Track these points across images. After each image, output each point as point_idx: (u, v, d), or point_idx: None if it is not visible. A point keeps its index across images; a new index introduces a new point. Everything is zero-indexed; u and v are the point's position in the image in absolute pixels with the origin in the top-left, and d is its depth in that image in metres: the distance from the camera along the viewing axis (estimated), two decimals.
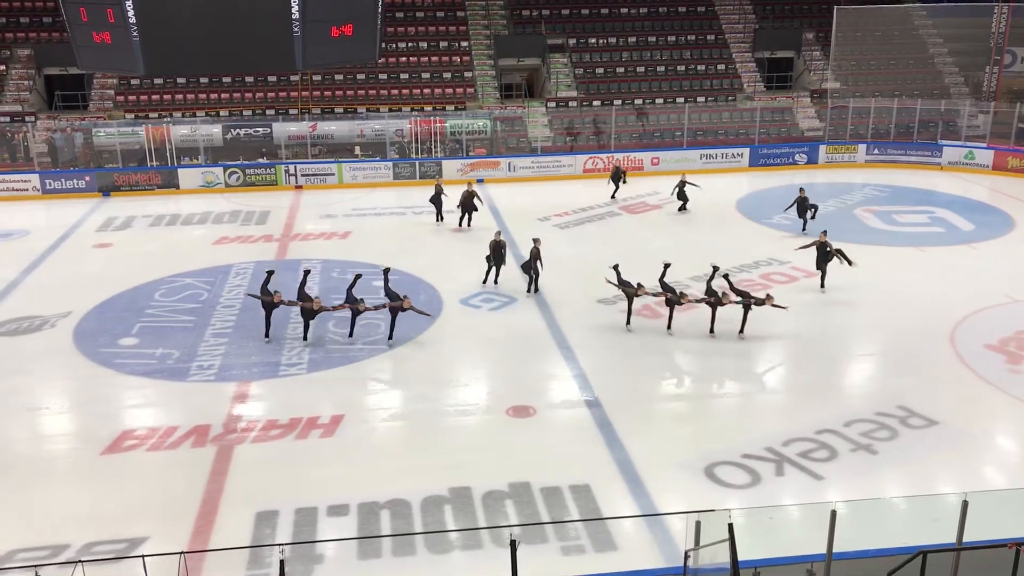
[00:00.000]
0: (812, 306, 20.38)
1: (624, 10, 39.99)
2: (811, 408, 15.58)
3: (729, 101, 37.19)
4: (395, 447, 14.70)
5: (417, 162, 33.06)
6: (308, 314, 18.11)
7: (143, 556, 9.70)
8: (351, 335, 18.44)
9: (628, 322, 19.08)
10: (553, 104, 36.55)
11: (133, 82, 35.62)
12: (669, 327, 18.77)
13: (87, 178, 31.77)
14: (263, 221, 28.18)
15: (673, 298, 18.52)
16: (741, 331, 18.55)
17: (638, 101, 36.73)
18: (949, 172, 33.50)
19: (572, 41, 38.72)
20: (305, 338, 18.29)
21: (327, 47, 14.13)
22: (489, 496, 12.87)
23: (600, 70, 38.04)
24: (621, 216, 28.30)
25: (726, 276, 19.25)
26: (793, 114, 37.00)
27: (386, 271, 19.33)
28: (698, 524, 8.99)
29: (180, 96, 35.56)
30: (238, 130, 33.52)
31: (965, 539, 9.60)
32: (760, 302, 18.35)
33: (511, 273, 21.97)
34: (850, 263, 20.91)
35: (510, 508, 12.58)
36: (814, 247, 21.45)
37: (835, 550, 9.30)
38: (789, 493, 12.96)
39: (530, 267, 21.18)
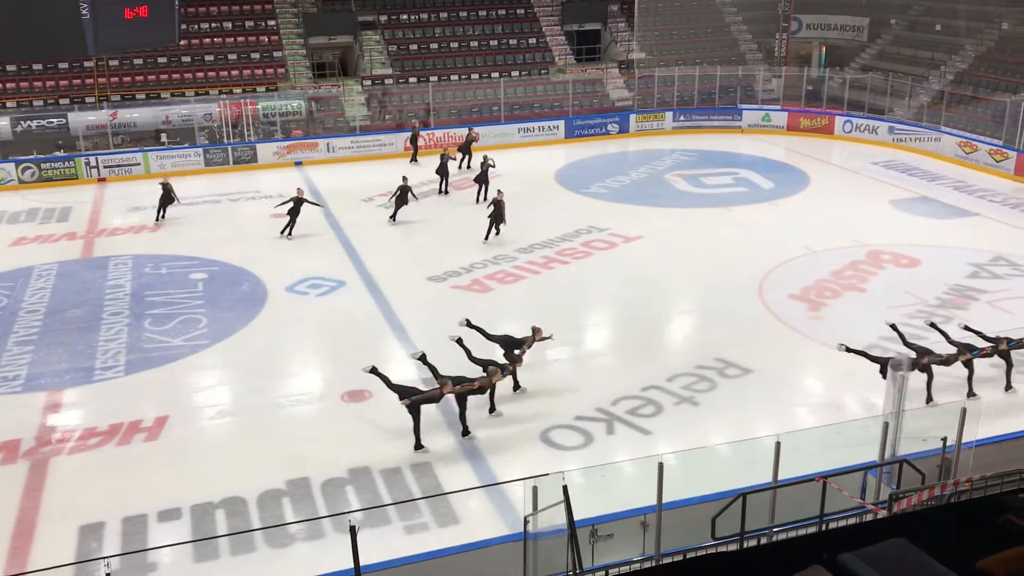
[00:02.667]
0: (632, 268, 21.21)
1: None
2: (636, 367, 16.25)
3: (542, 74, 37.85)
4: (227, 444, 14.22)
5: (230, 147, 31.81)
6: (417, 408, 13.65)
7: None
8: (467, 432, 14.00)
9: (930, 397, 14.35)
10: (369, 82, 36.04)
11: None
12: (930, 398, 14.33)
13: None
14: (64, 218, 26.37)
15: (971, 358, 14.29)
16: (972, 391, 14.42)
17: (454, 77, 36.78)
18: (749, 134, 35.54)
19: (383, 18, 38.22)
20: (419, 445, 13.61)
21: (121, 30, 13.34)
22: (329, 484, 12.70)
23: (414, 46, 37.77)
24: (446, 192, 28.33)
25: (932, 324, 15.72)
26: (603, 85, 38.10)
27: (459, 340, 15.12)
28: (535, 489, 9.22)
29: None
30: (29, 122, 31.08)
31: (780, 477, 10.31)
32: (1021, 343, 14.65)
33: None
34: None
35: (351, 494, 12.47)
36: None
37: (665, 500, 9.76)
38: (620, 450, 13.53)
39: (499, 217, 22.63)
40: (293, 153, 32.20)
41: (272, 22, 37.02)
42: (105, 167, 30.64)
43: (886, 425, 11.14)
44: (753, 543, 9.53)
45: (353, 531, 8.16)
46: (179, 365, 16.65)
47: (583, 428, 14.15)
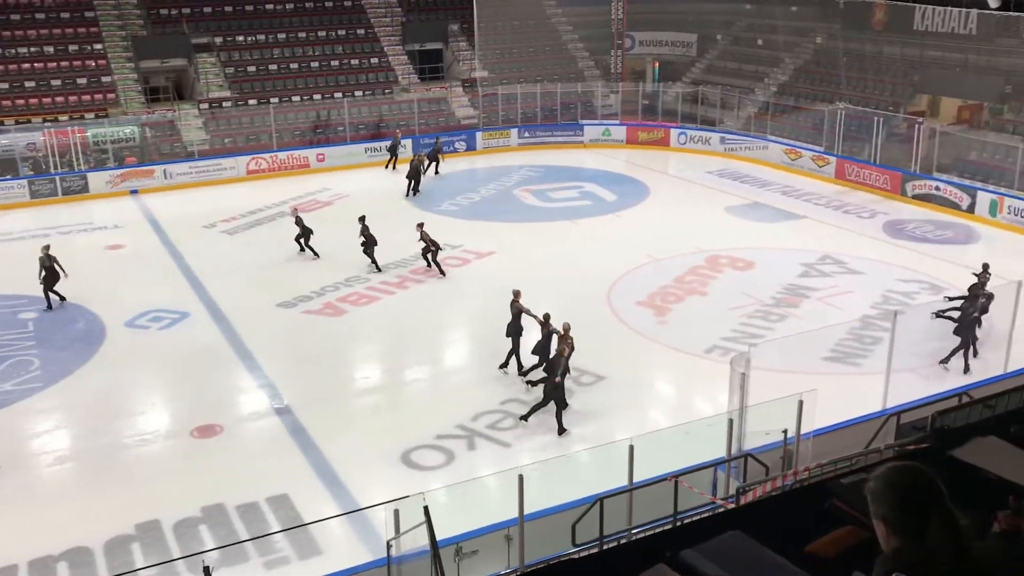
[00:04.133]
0: (486, 283, 21.39)
1: (270, 6, 39.04)
2: (495, 381, 16.38)
3: (386, 94, 37.73)
4: (68, 492, 13.41)
5: (58, 177, 30.08)
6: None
7: None
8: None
9: None
10: (206, 105, 34.93)
11: None
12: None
13: None
14: None
15: None
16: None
17: (295, 98, 36.16)
18: (591, 149, 36.52)
19: (219, 40, 37.15)
20: (563, 429, 14.48)
21: None
22: (181, 525, 12.17)
23: (252, 68, 36.90)
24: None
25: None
26: (449, 104, 38.35)
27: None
28: (396, 512, 9.15)
29: None
30: None
31: (635, 479, 10.61)
32: None
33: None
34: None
35: (205, 533, 12.00)
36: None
37: (527, 511, 9.88)
38: (482, 465, 13.58)
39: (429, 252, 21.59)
40: (128, 181, 30.81)
41: (99, 45, 35.32)
42: None
43: (731, 422, 11.66)
44: (613, 546, 9.77)
45: (207, 572, 7.86)
46: (10, 411, 15.58)
47: (444, 446, 14.14)
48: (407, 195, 28.93)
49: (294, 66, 37.49)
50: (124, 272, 22.69)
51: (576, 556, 9.33)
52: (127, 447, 14.50)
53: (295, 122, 35.15)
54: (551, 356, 14.82)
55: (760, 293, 20.22)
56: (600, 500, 9.75)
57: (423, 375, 17.28)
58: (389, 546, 9.33)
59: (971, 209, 26.07)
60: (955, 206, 26.45)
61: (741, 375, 11.88)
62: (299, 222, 23.41)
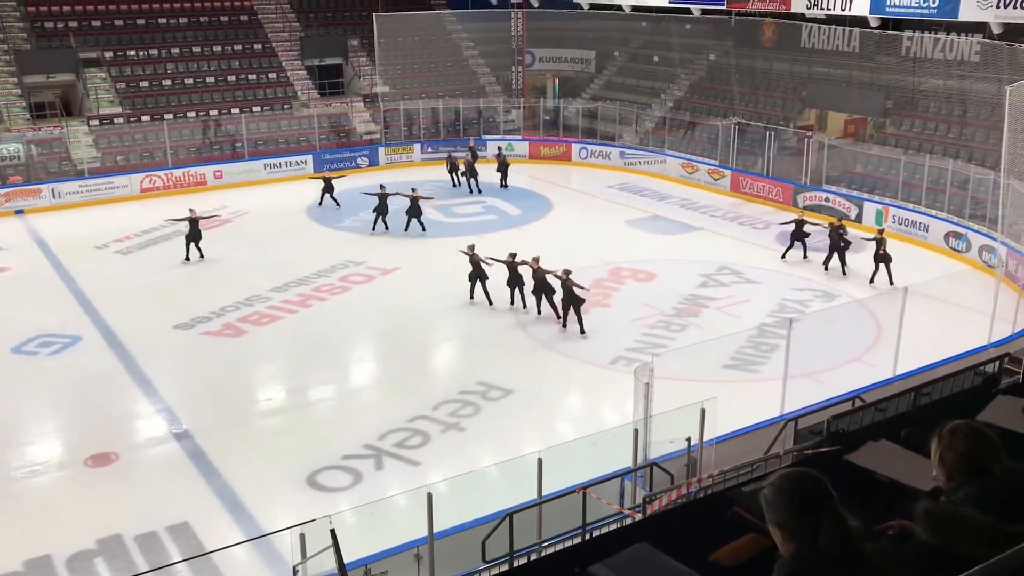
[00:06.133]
0: (391, 299, 21.23)
1: (163, 20, 37.99)
2: (402, 398, 16.25)
3: (285, 109, 37.16)
4: None
5: None
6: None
7: None
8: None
9: None
10: (96, 122, 33.72)
11: None
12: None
13: None
14: None
15: None
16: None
17: (191, 114, 35.24)
18: (495, 164, 36.61)
19: (109, 54, 35.94)
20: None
21: None
22: (75, 559, 11.65)
23: (145, 83, 35.82)
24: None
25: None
26: (350, 119, 37.99)
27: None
28: (302, 536, 8.97)
29: None
30: None
31: (544, 492, 10.66)
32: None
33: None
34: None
35: (101, 566, 11.52)
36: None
37: (437, 529, 9.80)
38: (391, 484, 13.42)
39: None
40: (12, 201, 29.49)
41: None
42: None
43: (636, 432, 11.84)
44: (524, 561, 9.78)
45: None
46: None
47: (351, 467, 13.93)
48: (472, 191, 31.60)
49: (189, 81, 36.58)
50: (10, 296, 21.68)
51: (487, 573, 9.31)
52: (14, 479, 13.82)
53: (191, 139, 34.26)
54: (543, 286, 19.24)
55: (661, 304, 20.63)
56: (510, 515, 9.75)
57: (328, 395, 17.01)
58: (295, 571, 9.14)
59: (859, 219, 27.19)
60: (844, 216, 27.53)
61: (645, 385, 12.08)
62: (327, 180, 29.18)
